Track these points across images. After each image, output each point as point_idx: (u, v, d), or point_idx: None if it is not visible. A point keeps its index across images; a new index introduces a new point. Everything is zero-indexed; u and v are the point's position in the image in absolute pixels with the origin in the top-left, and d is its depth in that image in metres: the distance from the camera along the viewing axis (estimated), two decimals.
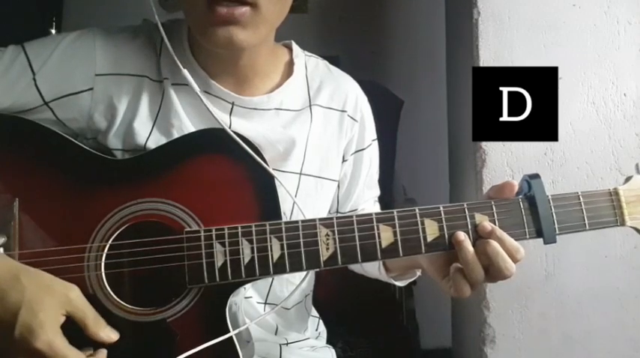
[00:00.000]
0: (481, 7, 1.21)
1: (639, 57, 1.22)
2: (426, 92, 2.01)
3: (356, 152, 0.90)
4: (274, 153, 0.79)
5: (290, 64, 0.86)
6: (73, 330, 0.62)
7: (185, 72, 0.75)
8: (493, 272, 0.66)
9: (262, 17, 0.71)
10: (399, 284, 0.90)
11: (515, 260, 0.66)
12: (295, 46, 0.89)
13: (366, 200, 0.95)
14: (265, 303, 0.86)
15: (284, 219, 0.68)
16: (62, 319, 0.62)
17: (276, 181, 0.70)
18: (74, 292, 0.63)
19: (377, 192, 0.97)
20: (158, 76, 0.79)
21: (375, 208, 0.98)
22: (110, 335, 0.65)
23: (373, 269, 0.90)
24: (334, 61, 0.94)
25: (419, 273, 0.87)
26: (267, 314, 0.86)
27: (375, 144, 0.94)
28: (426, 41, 2.07)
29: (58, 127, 0.75)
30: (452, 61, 1.53)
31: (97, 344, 0.64)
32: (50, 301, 0.61)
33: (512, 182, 0.70)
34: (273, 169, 0.71)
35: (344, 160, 0.89)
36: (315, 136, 0.85)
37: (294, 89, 0.85)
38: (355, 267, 0.98)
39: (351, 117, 0.89)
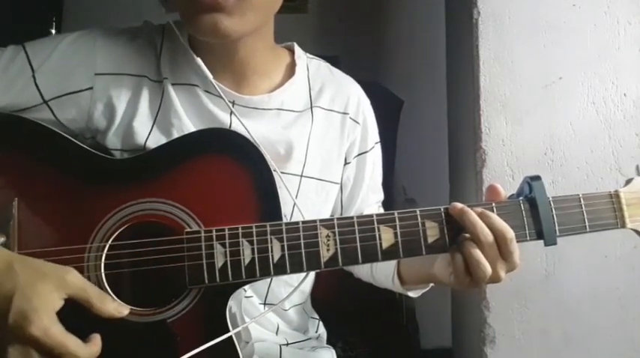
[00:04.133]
0: (481, 7, 1.21)
1: (639, 57, 1.22)
2: (426, 92, 2.01)
3: (359, 155, 0.90)
4: (275, 155, 0.79)
5: (292, 66, 0.86)
6: (72, 319, 0.61)
7: (199, 61, 0.75)
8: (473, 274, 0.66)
9: (250, 4, 0.70)
10: (412, 294, 0.88)
11: (505, 242, 0.65)
12: (297, 48, 0.89)
13: (370, 204, 0.94)
14: (264, 304, 0.86)
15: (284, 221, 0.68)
16: (60, 304, 0.60)
17: (278, 182, 0.70)
18: (70, 274, 0.62)
19: (381, 196, 0.97)
20: (158, 76, 0.79)
21: None
22: (120, 309, 0.63)
23: (386, 281, 0.88)
24: (334, 61, 0.94)
25: (432, 285, 0.85)
26: (263, 314, 0.85)
27: (378, 147, 0.93)
28: (426, 41, 2.07)
29: (57, 128, 0.74)
30: (452, 61, 1.53)
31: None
32: (44, 286, 0.59)
33: (494, 185, 0.70)
34: (274, 171, 0.71)
35: (346, 163, 0.89)
36: (316, 138, 0.85)
37: (296, 90, 0.85)
38: (365, 276, 0.95)
39: (353, 120, 0.89)
